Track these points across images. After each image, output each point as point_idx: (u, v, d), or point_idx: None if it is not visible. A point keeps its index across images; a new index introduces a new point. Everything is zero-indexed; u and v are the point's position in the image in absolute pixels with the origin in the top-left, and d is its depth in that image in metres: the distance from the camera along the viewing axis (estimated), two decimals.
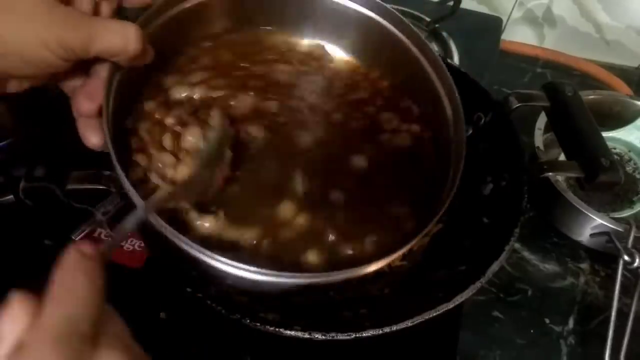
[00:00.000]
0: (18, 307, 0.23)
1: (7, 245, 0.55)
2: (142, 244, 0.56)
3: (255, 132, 0.47)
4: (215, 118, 0.44)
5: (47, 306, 0.23)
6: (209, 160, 0.41)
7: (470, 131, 0.58)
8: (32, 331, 0.22)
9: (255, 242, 0.42)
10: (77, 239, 0.51)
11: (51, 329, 0.23)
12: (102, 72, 0.38)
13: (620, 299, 0.54)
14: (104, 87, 0.37)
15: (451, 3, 0.78)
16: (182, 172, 0.41)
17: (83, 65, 0.37)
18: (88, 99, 0.37)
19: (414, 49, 0.50)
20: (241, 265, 0.36)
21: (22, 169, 0.43)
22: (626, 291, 0.56)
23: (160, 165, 0.42)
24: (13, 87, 0.37)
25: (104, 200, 0.50)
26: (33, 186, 0.42)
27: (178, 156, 0.42)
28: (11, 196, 0.57)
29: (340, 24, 0.53)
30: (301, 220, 0.44)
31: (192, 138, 0.43)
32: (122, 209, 0.48)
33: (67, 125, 0.41)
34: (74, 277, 0.25)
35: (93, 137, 0.37)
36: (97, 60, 0.37)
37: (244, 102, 0.49)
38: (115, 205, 0.49)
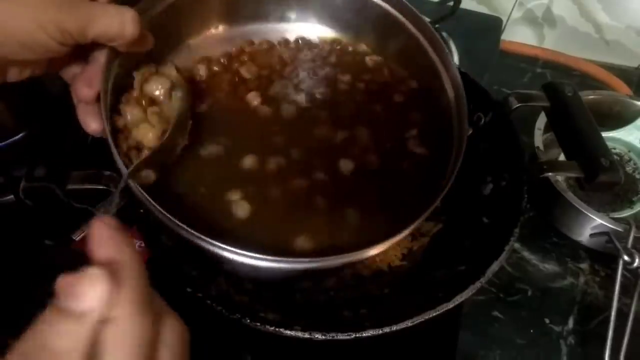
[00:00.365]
0: (100, 282, 0.22)
1: (7, 245, 0.55)
2: (142, 244, 0.56)
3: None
4: (168, 69, 0.44)
5: (121, 280, 0.24)
6: (177, 124, 0.41)
7: (470, 131, 0.58)
8: (118, 306, 0.23)
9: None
10: (77, 239, 0.51)
11: (132, 300, 0.23)
12: (100, 58, 0.38)
13: (620, 299, 0.54)
14: (102, 73, 0.37)
15: (451, 3, 0.78)
16: (146, 133, 0.41)
17: (82, 52, 0.38)
18: (87, 85, 0.37)
19: (422, 38, 0.50)
20: (236, 249, 0.36)
21: (22, 169, 0.43)
22: (626, 291, 0.56)
23: (130, 120, 0.41)
24: (13, 75, 0.37)
25: (104, 200, 0.50)
26: (33, 186, 0.42)
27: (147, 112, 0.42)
28: (11, 196, 0.57)
29: (344, 12, 0.53)
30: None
31: (155, 85, 0.42)
32: (122, 208, 0.48)
33: (68, 125, 0.41)
34: (122, 251, 0.25)
35: (92, 123, 0.38)
36: (96, 46, 0.37)
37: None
38: (116, 205, 0.49)
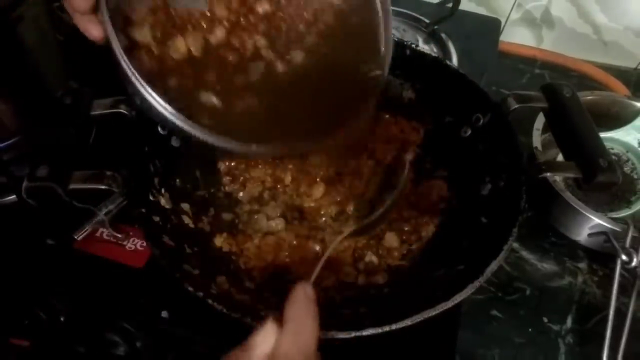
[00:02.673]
0: (270, 330, 0.33)
1: (9, 244, 0.55)
2: (144, 244, 0.56)
3: None
4: None
5: (284, 336, 0.33)
6: None
7: (469, 132, 0.58)
8: (276, 355, 0.33)
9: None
10: (79, 238, 0.52)
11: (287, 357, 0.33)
12: None
13: (618, 298, 0.54)
14: None
15: (450, 4, 0.79)
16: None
17: None
18: None
19: None
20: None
21: (24, 169, 0.43)
22: (624, 290, 0.56)
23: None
24: None
25: (106, 199, 0.50)
26: (36, 186, 0.42)
27: None
28: (14, 196, 0.57)
29: None
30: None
31: None
32: (124, 208, 0.48)
33: (70, 125, 0.41)
34: (305, 318, 0.34)
35: (94, 30, 0.38)
36: None
37: None
38: (117, 205, 0.49)
